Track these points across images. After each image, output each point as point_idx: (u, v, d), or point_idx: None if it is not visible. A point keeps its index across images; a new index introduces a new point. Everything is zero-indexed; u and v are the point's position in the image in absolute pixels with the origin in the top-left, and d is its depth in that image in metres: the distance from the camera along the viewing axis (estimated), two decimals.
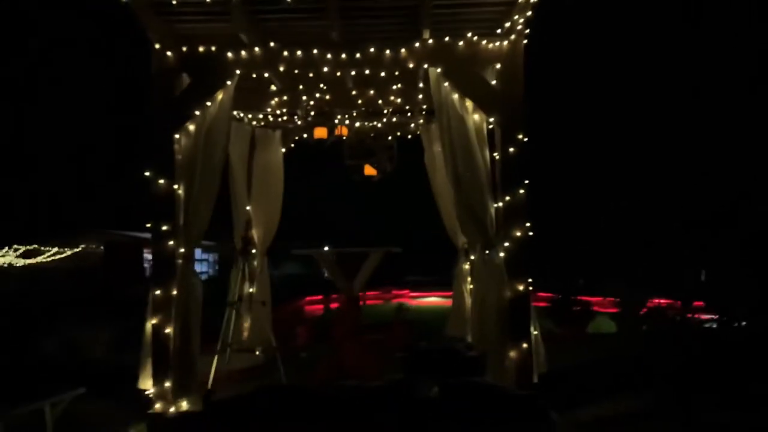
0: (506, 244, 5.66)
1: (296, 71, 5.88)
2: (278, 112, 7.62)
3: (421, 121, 8.35)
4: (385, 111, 7.54)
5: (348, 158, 7.57)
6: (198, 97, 5.74)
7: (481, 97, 5.76)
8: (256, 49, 5.79)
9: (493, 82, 5.82)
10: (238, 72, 5.81)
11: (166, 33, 5.74)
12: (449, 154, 5.75)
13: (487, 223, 5.67)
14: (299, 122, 7.58)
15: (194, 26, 5.78)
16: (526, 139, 5.74)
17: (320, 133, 7.44)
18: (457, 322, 8.34)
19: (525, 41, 5.78)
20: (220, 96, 5.78)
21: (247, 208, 8.35)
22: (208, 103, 5.74)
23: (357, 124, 7.78)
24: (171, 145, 5.71)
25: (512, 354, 5.54)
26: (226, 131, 5.81)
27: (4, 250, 29.19)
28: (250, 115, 7.91)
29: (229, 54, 5.78)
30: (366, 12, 5.65)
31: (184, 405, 5.62)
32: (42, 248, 30.44)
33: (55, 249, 30.31)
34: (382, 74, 6.02)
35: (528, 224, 5.71)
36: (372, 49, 5.78)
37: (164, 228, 5.67)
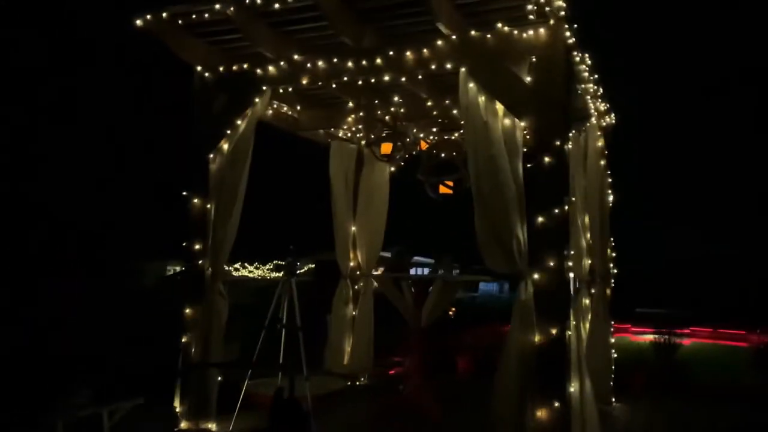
0: (536, 275, 4.59)
1: (320, 83, 5.55)
2: (353, 128, 7.29)
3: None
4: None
5: (422, 173, 6.91)
6: (230, 116, 5.71)
7: (510, 96, 4.80)
8: (282, 63, 5.57)
9: (528, 79, 4.82)
10: (265, 88, 5.66)
11: (202, 54, 5.82)
12: (473, 166, 4.88)
13: (513, 249, 4.66)
14: (372, 137, 7.16)
15: (226, 46, 5.78)
16: (567, 146, 4.64)
17: (386, 148, 6.93)
18: None
19: (568, 26, 4.70)
20: (249, 114, 5.69)
21: (353, 228, 8.13)
22: (239, 122, 5.68)
23: (432, 138, 7.10)
24: (206, 164, 5.76)
25: (540, 414, 4.44)
26: (248, 150, 5.71)
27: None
28: (327, 131, 7.71)
29: (258, 71, 5.66)
30: (379, 13, 5.10)
31: (212, 426, 5.57)
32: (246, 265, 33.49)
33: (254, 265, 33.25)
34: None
35: (567, 251, 4.58)
36: (391, 53, 5.19)
37: (197, 247, 5.72)
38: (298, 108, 7.24)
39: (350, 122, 7.01)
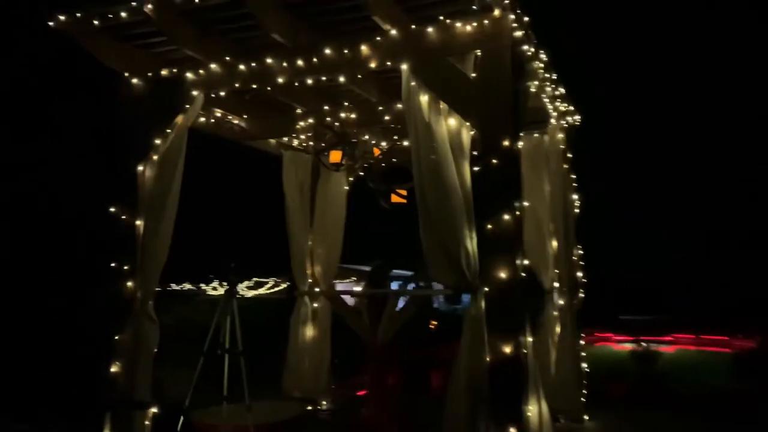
0: (486, 288, 4.19)
1: (254, 86, 5.14)
2: (305, 137, 6.88)
3: None
4: None
5: (372, 182, 6.49)
6: (159, 125, 5.27)
7: (454, 94, 4.42)
8: (212, 66, 5.16)
9: (473, 76, 4.44)
10: (195, 93, 5.24)
11: (128, 59, 5.39)
12: (416, 172, 4.48)
13: (461, 260, 4.25)
14: (323, 144, 6.74)
15: (155, 50, 5.36)
16: (517, 146, 4.25)
17: (335, 156, 6.52)
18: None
19: (515, 17, 4.33)
20: (179, 121, 5.26)
21: (309, 242, 7.68)
22: (168, 130, 5.25)
23: (385, 144, 6.71)
24: (134, 177, 5.32)
25: None
26: (178, 160, 5.28)
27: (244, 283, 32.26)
28: (279, 141, 7.29)
29: (188, 74, 5.24)
30: (312, 6, 4.71)
31: None
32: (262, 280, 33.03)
33: (272, 281, 32.74)
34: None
35: (520, 261, 4.19)
36: (328, 51, 4.79)
37: (125, 267, 5.26)
38: (245, 117, 6.81)
39: (299, 130, 6.59)
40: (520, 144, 4.39)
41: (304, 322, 7.52)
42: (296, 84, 5.49)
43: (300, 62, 4.89)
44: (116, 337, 5.18)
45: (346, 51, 4.74)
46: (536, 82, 5.24)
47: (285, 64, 4.94)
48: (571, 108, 6.79)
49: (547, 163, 6.72)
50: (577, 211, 6.99)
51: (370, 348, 5.99)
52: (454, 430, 4.13)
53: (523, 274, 4.22)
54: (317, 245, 7.66)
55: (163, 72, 5.35)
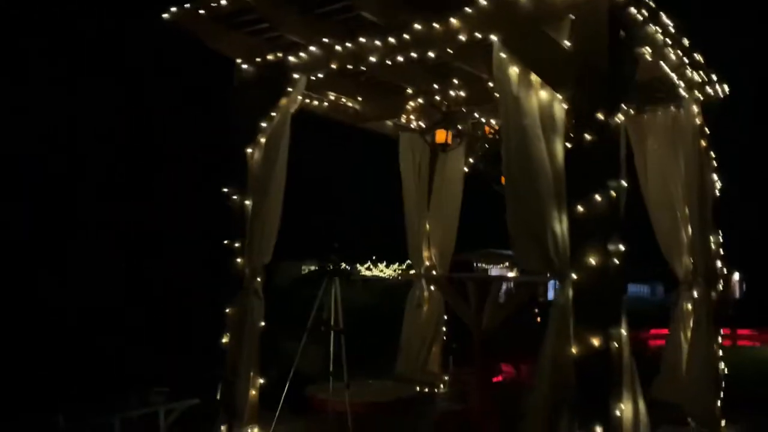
0: (574, 275, 3.86)
1: (349, 66, 5.13)
2: (412, 117, 6.76)
3: (631, 111, 6.42)
4: None
5: (481, 163, 6.20)
6: (264, 108, 5.47)
7: (545, 65, 4.09)
8: (312, 48, 5.23)
9: (567, 44, 4.08)
10: (297, 76, 5.35)
11: (239, 46, 5.62)
12: (504, 150, 4.23)
13: (548, 245, 3.95)
14: (427, 125, 6.57)
15: (265, 36, 5.54)
16: (615, 120, 3.86)
17: (441, 136, 6.30)
18: (668, 382, 6.14)
19: None
20: (282, 104, 5.41)
21: (426, 226, 7.61)
22: (273, 113, 5.42)
23: (493, 122, 6.37)
24: (244, 158, 5.57)
25: None
26: (282, 143, 5.43)
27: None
28: (390, 122, 7.23)
29: (291, 58, 5.36)
30: None
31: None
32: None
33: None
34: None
35: (615, 246, 3.81)
36: (418, 26, 4.65)
37: (236, 245, 5.54)
38: (359, 99, 6.86)
39: (409, 110, 6.51)
40: (620, 117, 3.96)
41: (419, 305, 7.49)
42: (405, 63, 5.36)
43: (392, 39, 4.81)
44: (226, 311, 5.50)
45: (435, 25, 4.57)
46: (651, 50, 4.70)
47: (378, 42, 4.88)
48: (712, 78, 6.06)
49: (683, 142, 6.08)
50: (717, 194, 6.24)
51: (475, 336, 5.79)
52: (536, 425, 3.87)
53: (617, 261, 3.83)
54: (433, 228, 7.57)
55: (269, 57, 5.52)
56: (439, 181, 7.53)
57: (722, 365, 6.07)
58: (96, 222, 14.07)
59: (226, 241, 5.63)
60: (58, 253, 13.37)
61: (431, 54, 4.84)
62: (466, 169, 7.55)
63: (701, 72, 5.84)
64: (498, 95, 4.32)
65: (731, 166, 6.38)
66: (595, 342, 3.75)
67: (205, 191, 11.09)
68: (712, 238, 6.05)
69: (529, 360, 7.84)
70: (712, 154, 6.21)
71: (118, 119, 15.22)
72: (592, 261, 3.80)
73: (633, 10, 4.23)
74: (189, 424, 6.34)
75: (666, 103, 6.23)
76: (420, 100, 6.39)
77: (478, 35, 4.43)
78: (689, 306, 6.18)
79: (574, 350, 3.81)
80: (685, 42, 5.26)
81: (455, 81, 6.18)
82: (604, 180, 3.84)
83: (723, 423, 5.89)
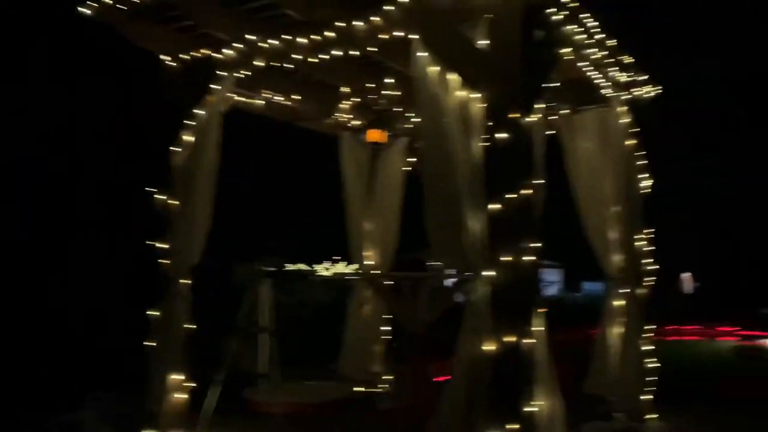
0: (490, 273, 3.88)
1: (271, 63, 5.08)
2: (346, 117, 6.74)
3: (567, 111, 6.50)
4: None
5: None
6: (189, 106, 5.37)
7: (461, 64, 4.10)
8: (237, 45, 5.15)
9: (483, 44, 4.10)
10: (223, 74, 5.26)
11: (164, 42, 5.51)
12: (423, 147, 4.24)
13: (463, 241, 3.96)
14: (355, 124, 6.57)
15: (193, 33, 5.44)
16: (528, 119, 3.89)
17: (373, 135, 6.30)
18: (598, 377, 6.24)
19: None
20: (209, 102, 5.32)
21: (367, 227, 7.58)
22: (199, 111, 5.32)
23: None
24: (167, 156, 5.46)
25: None
26: (211, 142, 5.32)
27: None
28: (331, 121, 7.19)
29: (216, 55, 5.28)
30: None
31: None
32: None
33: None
34: None
35: (530, 244, 3.84)
36: (340, 24, 4.62)
37: (160, 246, 5.42)
38: (294, 97, 6.79)
39: (344, 109, 6.48)
40: (534, 117, 4.00)
41: (361, 305, 7.48)
42: (338, 61, 5.28)
43: (315, 37, 4.77)
44: (149, 313, 5.39)
45: (357, 22, 4.55)
46: (572, 51, 4.76)
47: (302, 39, 4.83)
48: (642, 78, 6.18)
49: (611, 142, 6.19)
50: (645, 192, 6.36)
51: (410, 334, 5.80)
52: (450, 423, 3.88)
53: (533, 258, 3.86)
54: (374, 227, 7.55)
55: (194, 53, 5.43)
56: (379, 181, 7.52)
57: (653, 359, 6.19)
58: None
59: (147, 241, 5.52)
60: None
61: (356, 52, 4.82)
62: (409, 168, 7.56)
63: (629, 72, 5.94)
64: (416, 94, 4.31)
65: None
66: (510, 339, 3.77)
67: None
68: (640, 237, 6.17)
69: None
70: (642, 154, 6.33)
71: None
72: (508, 258, 3.82)
73: (551, 11, 4.27)
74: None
75: (599, 104, 6.32)
76: (355, 99, 6.36)
77: (399, 33, 4.42)
78: (618, 303, 6.28)
79: (489, 347, 3.82)
80: (611, 42, 5.33)
81: (389, 80, 6.17)
82: (518, 179, 3.86)
83: (653, 416, 6.02)
